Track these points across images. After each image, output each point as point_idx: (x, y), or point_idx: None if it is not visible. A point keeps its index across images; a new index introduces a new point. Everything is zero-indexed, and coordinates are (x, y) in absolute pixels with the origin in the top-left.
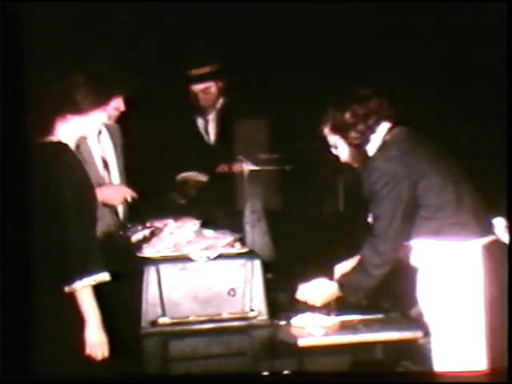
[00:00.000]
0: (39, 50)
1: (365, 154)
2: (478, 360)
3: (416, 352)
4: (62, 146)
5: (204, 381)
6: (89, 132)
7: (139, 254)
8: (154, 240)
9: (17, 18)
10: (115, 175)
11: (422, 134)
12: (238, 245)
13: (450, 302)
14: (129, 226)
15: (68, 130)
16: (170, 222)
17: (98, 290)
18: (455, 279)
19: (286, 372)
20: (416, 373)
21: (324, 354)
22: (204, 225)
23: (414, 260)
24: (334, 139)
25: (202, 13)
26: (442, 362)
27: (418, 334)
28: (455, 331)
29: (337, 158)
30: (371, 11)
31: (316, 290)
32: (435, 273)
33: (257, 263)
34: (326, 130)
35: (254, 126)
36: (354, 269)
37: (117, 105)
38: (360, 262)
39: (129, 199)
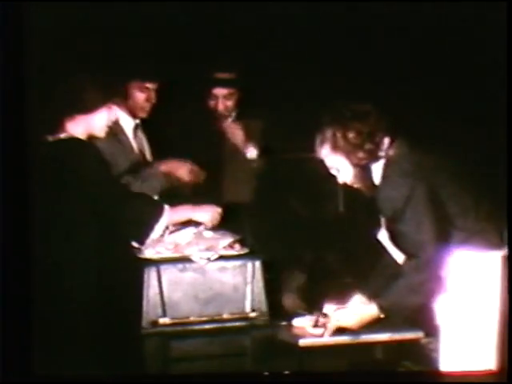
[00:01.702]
0: (42, 50)
1: (369, 173)
2: (482, 362)
3: (417, 352)
4: (78, 141)
5: (205, 381)
6: (96, 130)
7: (140, 255)
8: (155, 241)
9: (18, 18)
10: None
11: (424, 144)
12: (237, 246)
13: (464, 308)
14: None
15: (76, 128)
16: None
17: (99, 290)
18: (473, 288)
19: (286, 372)
20: (417, 373)
21: (325, 354)
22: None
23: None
24: (334, 160)
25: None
26: (447, 363)
27: (419, 334)
28: (465, 335)
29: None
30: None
31: (353, 314)
32: (454, 280)
33: (257, 264)
34: (325, 152)
35: (254, 126)
36: (397, 290)
37: (148, 96)
38: (403, 283)
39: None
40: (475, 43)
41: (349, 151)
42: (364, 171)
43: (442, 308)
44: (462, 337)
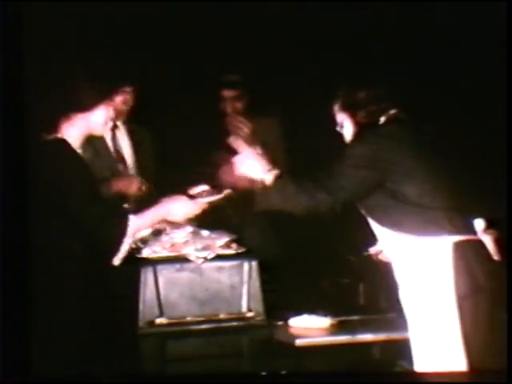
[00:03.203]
0: (40, 48)
1: None
2: (455, 357)
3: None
4: (61, 144)
5: (201, 381)
6: (96, 128)
7: (136, 255)
8: (151, 241)
9: (17, 15)
10: (131, 169)
11: (415, 128)
12: (234, 245)
13: (422, 298)
14: None
15: (74, 128)
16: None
17: (98, 289)
18: (426, 275)
19: (283, 372)
20: (413, 373)
21: (321, 353)
22: (201, 225)
23: (388, 252)
24: (341, 117)
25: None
26: (422, 359)
27: None
28: (430, 329)
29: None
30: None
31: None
32: (408, 268)
33: (254, 264)
34: (336, 107)
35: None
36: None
37: (124, 99)
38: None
39: (143, 189)
40: (475, 43)
41: (353, 108)
42: (360, 132)
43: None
44: (427, 330)
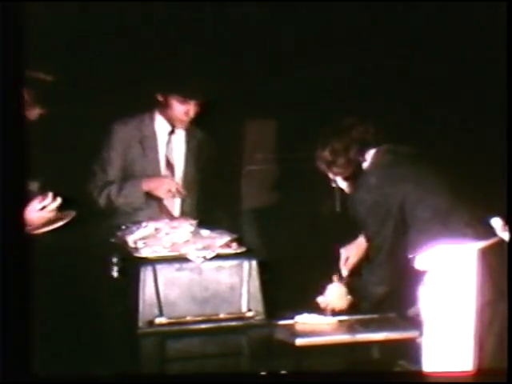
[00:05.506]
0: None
1: None
2: (470, 361)
3: (413, 351)
4: None
5: (201, 381)
6: None
7: (136, 254)
8: (151, 240)
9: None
10: (178, 176)
11: (407, 150)
12: (234, 245)
13: (445, 305)
14: (123, 227)
15: None
16: (166, 221)
17: (96, 289)
18: (452, 282)
19: (283, 372)
20: (413, 372)
21: (321, 353)
22: (201, 224)
23: (420, 265)
24: (331, 176)
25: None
26: (434, 362)
27: (415, 333)
28: (450, 332)
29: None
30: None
31: (336, 293)
32: (434, 277)
33: (254, 263)
34: (322, 168)
35: (252, 125)
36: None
37: (186, 110)
38: (360, 281)
39: (174, 191)
40: (475, 43)
41: (329, 167)
42: (354, 182)
43: (423, 302)
44: (447, 333)
